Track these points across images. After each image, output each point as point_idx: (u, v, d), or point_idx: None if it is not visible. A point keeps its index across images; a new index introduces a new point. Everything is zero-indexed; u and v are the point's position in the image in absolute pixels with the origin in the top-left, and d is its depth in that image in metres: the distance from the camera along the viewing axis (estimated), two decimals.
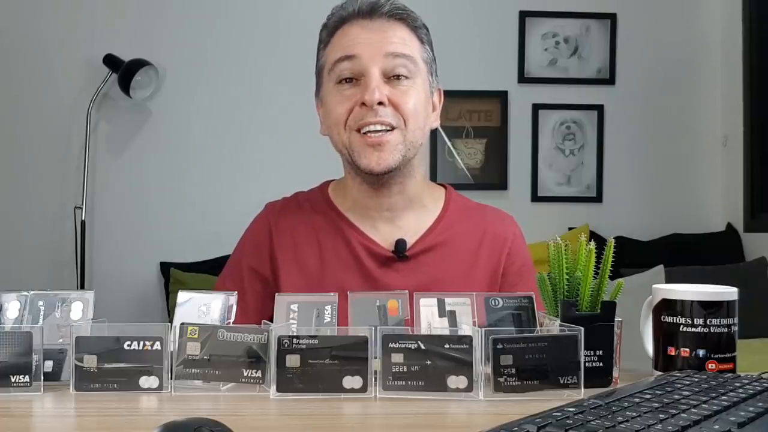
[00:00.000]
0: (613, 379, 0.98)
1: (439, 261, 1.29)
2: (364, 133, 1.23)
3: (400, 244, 1.28)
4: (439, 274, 1.28)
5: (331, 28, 1.29)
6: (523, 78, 3.67)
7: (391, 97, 1.22)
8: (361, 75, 1.23)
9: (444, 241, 1.31)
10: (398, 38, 1.25)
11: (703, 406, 0.74)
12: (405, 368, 0.91)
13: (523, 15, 3.66)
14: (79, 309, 1.03)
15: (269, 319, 1.04)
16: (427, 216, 1.33)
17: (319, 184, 1.40)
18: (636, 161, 3.71)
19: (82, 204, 3.33)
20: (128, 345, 0.94)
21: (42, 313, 1.02)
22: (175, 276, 3.28)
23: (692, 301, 0.99)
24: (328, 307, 1.04)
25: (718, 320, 0.99)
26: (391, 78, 1.24)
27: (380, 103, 1.21)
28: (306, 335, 0.92)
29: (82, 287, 3.24)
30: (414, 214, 1.32)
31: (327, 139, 1.34)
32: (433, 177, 3.47)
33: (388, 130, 1.23)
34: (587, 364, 0.94)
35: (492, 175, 3.66)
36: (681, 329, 0.99)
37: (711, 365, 0.98)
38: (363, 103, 1.22)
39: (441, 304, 1.03)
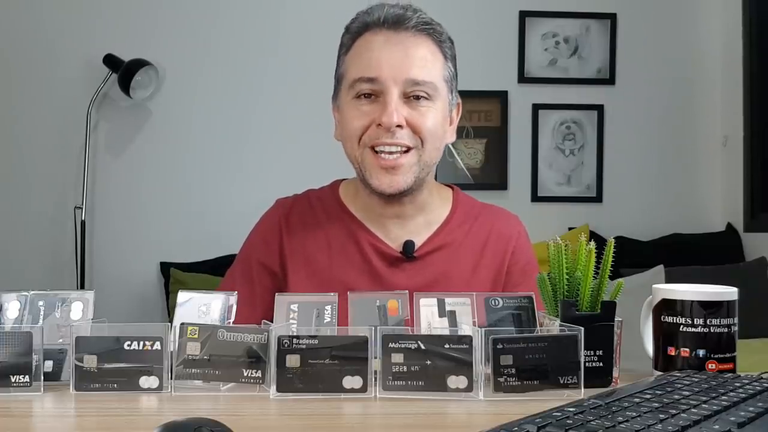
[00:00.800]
0: (613, 379, 0.98)
1: (445, 261, 1.31)
2: (378, 152, 1.23)
3: (408, 245, 1.30)
4: (445, 273, 1.29)
5: (353, 33, 1.27)
6: (523, 78, 3.67)
7: (409, 118, 1.22)
8: (380, 93, 1.22)
9: (451, 241, 1.33)
10: (420, 59, 1.23)
11: (703, 406, 0.74)
12: (405, 368, 0.91)
13: (523, 15, 3.66)
14: (79, 309, 1.03)
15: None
16: (436, 218, 1.35)
17: (330, 183, 1.40)
18: (636, 161, 3.71)
19: (82, 204, 3.33)
20: (128, 345, 0.94)
21: (42, 313, 1.02)
22: (175, 276, 3.28)
23: (692, 301, 0.99)
24: (328, 307, 1.04)
25: (718, 320, 0.99)
26: (411, 98, 1.23)
27: (398, 126, 1.21)
28: (306, 335, 0.92)
29: (82, 287, 3.24)
30: (423, 217, 1.34)
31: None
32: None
33: (404, 151, 1.23)
34: (587, 364, 0.94)
35: (492, 175, 3.66)
36: (681, 329, 0.99)
37: (711, 365, 0.98)
38: (380, 124, 1.21)
39: (441, 304, 1.03)
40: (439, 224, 1.34)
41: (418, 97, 1.23)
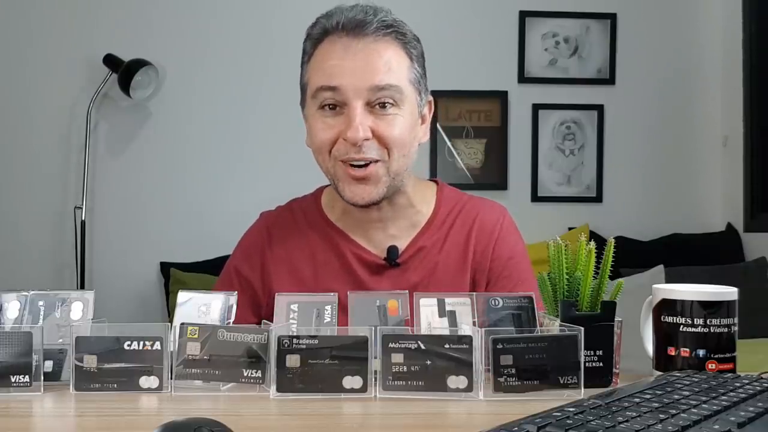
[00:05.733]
0: (613, 379, 0.98)
1: (428, 263, 1.29)
2: (348, 165, 1.21)
3: (391, 251, 1.28)
4: (427, 276, 1.28)
5: (314, 39, 1.24)
6: (523, 78, 3.67)
7: (375, 128, 1.19)
8: (344, 104, 1.19)
9: (436, 241, 1.31)
10: (384, 64, 1.19)
11: (703, 406, 0.74)
12: (405, 368, 0.91)
13: (523, 15, 3.66)
14: (79, 309, 1.03)
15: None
16: (419, 218, 1.32)
17: (313, 191, 1.40)
18: (636, 161, 3.71)
19: (82, 204, 3.33)
20: (128, 345, 0.94)
21: (42, 313, 1.02)
22: (175, 276, 3.28)
23: (692, 301, 0.99)
24: (328, 307, 1.04)
25: (718, 320, 0.99)
26: (376, 106, 1.20)
27: (365, 139, 1.18)
28: (306, 335, 0.92)
29: (82, 287, 3.24)
30: (405, 220, 1.32)
31: None
32: (433, 177, 3.46)
33: (372, 163, 1.20)
34: (587, 364, 0.94)
35: (492, 175, 3.65)
36: (681, 329, 0.99)
37: (711, 365, 0.98)
38: (346, 138, 1.18)
39: (441, 304, 1.03)
40: (423, 225, 1.31)
41: (383, 105, 1.19)
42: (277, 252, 1.32)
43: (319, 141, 1.22)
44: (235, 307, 1.04)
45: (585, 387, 0.91)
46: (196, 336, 0.94)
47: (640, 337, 1.08)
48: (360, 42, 1.20)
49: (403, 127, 1.21)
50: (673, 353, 1.00)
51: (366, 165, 1.20)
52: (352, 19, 1.20)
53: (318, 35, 1.23)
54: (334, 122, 1.20)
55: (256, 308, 1.31)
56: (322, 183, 1.42)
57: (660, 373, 0.98)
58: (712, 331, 0.98)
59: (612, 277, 1.00)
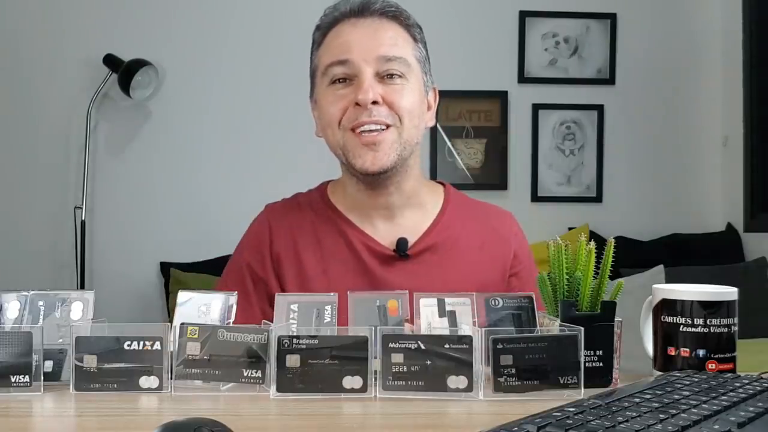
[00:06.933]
0: (613, 379, 0.98)
1: (442, 261, 1.29)
2: (359, 133, 1.23)
3: (401, 242, 1.28)
4: (443, 275, 1.27)
5: (323, 29, 1.29)
6: (523, 78, 3.67)
7: (385, 95, 1.22)
8: (354, 76, 1.23)
9: (445, 239, 1.31)
10: (390, 38, 1.25)
11: (703, 406, 0.74)
12: (405, 368, 0.91)
13: (523, 15, 3.66)
14: (79, 309, 1.03)
15: (271, 318, 1.04)
16: (427, 214, 1.33)
17: (317, 186, 1.40)
18: (636, 161, 3.71)
19: (82, 204, 3.33)
20: (128, 345, 0.94)
21: (42, 313, 1.02)
22: (175, 276, 3.28)
23: (692, 301, 0.99)
24: (328, 307, 1.04)
25: (718, 320, 0.99)
26: (384, 77, 1.24)
27: (374, 103, 1.21)
28: (306, 335, 0.92)
29: (82, 287, 3.24)
30: (413, 212, 1.32)
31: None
32: (433, 177, 3.47)
33: (383, 129, 1.23)
34: (587, 364, 0.94)
35: (492, 175, 3.66)
36: (681, 329, 0.99)
37: (711, 365, 0.98)
38: (357, 103, 1.22)
39: (441, 304, 1.03)
40: (431, 221, 1.32)
41: (391, 76, 1.24)
42: (283, 240, 1.31)
43: (330, 113, 1.25)
44: (235, 306, 1.04)
45: (585, 387, 0.91)
46: (196, 336, 0.94)
47: (640, 337, 1.08)
48: (366, 20, 1.27)
49: (412, 98, 1.25)
50: (673, 353, 1.00)
51: (378, 131, 1.22)
52: (357, 3, 1.27)
53: (327, 24, 1.29)
54: (345, 92, 1.24)
55: (271, 299, 1.30)
56: (323, 183, 1.42)
57: (660, 373, 0.98)
58: (712, 331, 0.98)
59: (612, 277, 1.00)
